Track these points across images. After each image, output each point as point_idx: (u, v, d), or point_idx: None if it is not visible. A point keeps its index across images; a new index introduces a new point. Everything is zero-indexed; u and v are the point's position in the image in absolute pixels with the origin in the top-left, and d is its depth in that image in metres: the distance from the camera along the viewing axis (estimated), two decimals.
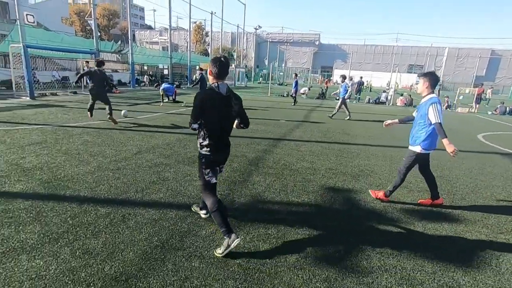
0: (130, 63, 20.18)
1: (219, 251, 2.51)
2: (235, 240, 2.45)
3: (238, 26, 38.28)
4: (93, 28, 17.12)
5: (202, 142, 2.59)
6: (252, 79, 43.44)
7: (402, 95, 21.26)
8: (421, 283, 2.34)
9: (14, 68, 12.81)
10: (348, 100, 11.40)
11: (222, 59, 2.54)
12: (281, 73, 48.76)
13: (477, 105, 19.28)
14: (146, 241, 2.63)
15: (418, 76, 3.69)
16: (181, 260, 2.40)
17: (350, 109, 11.83)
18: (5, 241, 2.50)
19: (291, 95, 15.68)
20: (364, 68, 53.43)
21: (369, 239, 2.92)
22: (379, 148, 6.87)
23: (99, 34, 19.62)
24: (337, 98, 11.91)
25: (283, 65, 53.28)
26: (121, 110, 8.95)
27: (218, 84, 2.52)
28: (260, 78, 44.63)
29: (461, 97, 21.80)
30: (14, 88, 12.75)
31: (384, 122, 4.12)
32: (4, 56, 15.53)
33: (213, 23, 31.89)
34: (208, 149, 2.57)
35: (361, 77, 21.90)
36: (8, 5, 28.33)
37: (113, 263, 2.30)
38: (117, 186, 3.76)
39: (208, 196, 2.64)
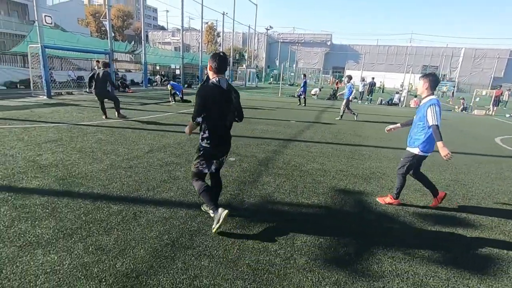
0: (143, 63, 20.52)
1: (214, 227, 2.77)
2: (223, 213, 2.71)
3: (249, 27, 38.37)
4: (107, 29, 17.49)
5: (203, 135, 2.71)
6: (262, 80, 43.45)
7: (415, 96, 20.84)
8: None
9: (32, 68, 13.22)
10: (353, 101, 11.31)
11: (221, 54, 2.65)
12: (292, 74, 48.58)
13: (495, 108, 18.71)
14: (157, 239, 2.67)
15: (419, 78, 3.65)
16: (190, 259, 2.42)
17: (362, 111, 11.69)
18: (22, 235, 2.58)
19: (298, 96, 15.61)
20: (377, 68, 52.65)
21: (380, 243, 2.87)
22: (391, 150, 6.75)
23: (113, 34, 20.02)
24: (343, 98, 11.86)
25: (294, 65, 53.06)
26: (133, 110, 9.10)
27: (219, 79, 2.62)
28: (271, 79, 44.58)
29: (477, 99, 21.20)
30: (32, 87, 13.16)
31: (386, 128, 4.04)
32: (23, 56, 16.05)
33: (224, 23, 32.09)
34: (208, 141, 2.70)
35: (373, 78, 21.55)
36: (27, 6, 29.31)
37: (124, 260, 2.34)
38: (129, 184, 3.82)
39: (196, 181, 2.87)
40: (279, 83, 26.01)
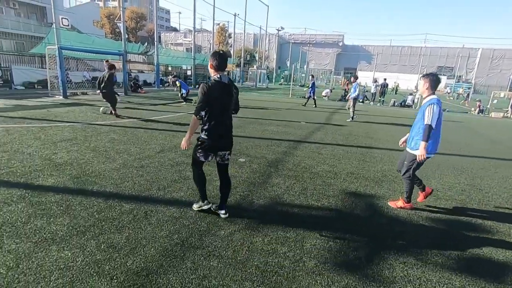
0: (155, 64, 20.83)
1: (194, 206, 3.23)
2: (205, 206, 3.15)
3: (260, 28, 38.41)
4: (121, 30, 17.85)
5: (203, 127, 2.85)
6: (273, 81, 43.40)
7: None
8: None
9: (49, 69, 13.63)
10: (359, 101, 11.30)
11: (221, 52, 2.82)
12: (303, 75, 48.33)
13: None
14: (167, 238, 2.70)
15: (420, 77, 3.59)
16: (200, 259, 2.43)
17: (374, 113, 11.52)
18: (37, 231, 2.65)
19: (307, 97, 15.55)
20: (390, 69, 51.79)
21: (392, 247, 2.82)
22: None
23: (127, 36, 20.41)
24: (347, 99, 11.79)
25: (305, 66, 52.78)
26: (145, 110, 9.24)
27: (220, 75, 2.78)
28: (282, 80, 44.48)
29: (495, 101, 20.52)
30: (48, 87, 13.56)
31: (400, 142, 3.89)
32: (41, 57, 16.56)
33: (236, 24, 32.25)
34: (207, 133, 2.83)
35: (385, 79, 21.18)
36: (45, 9, 30.23)
37: (135, 258, 2.38)
38: (140, 183, 3.88)
39: (194, 168, 3.08)
40: (290, 84, 25.92)
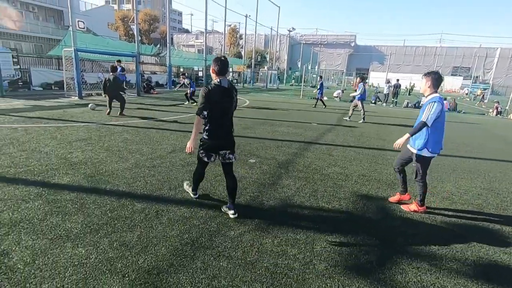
0: (167, 65, 21.13)
1: (185, 185, 3.68)
2: (192, 194, 3.53)
3: (271, 29, 38.42)
4: (135, 33, 18.18)
5: (204, 128, 2.99)
6: (284, 81, 43.30)
7: (445, 99, 19.84)
8: None
9: (66, 70, 14.02)
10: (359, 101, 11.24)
11: (222, 58, 2.93)
12: (314, 76, 48.01)
13: None
14: (178, 237, 2.72)
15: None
16: (209, 259, 2.45)
17: (386, 114, 11.34)
18: (53, 228, 2.73)
19: (317, 98, 15.50)
20: (403, 70, 50.83)
21: (405, 252, 2.76)
22: None
23: (140, 38, 20.78)
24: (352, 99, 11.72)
25: (316, 67, 52.39)
26: (154, 111, 9.38)
27: (220, 80, 2.90)
28: (293, 80, 44.32)
29: None
30: (65, 88, 13.95)
31: (394, 144, 3.52)
32: (58, 59, 17.05)
33: (247, 25, 32.35)
34: (207, 133, 2.98)
35: (398, 80, 20.77)
36: (63, 13, 31.15)
37: (146, 257, 2.41)
38: (152, 183, 3.94)
39: (198, 166, 3.30)
40: (301, 85, 25.80)
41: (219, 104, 2.90)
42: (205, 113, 2.87)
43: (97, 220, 2.92)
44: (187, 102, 13.20)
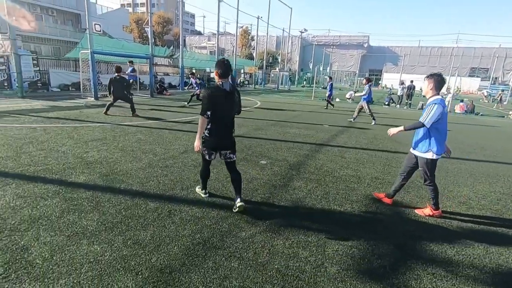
0: (180, 67, 21.42)
1: (197, 188, 3.75)
2: (203, 194, 3.62)
3: (283, 30, 38.37)
4: (149, 35, 18.52)
5: (206, 126, 3.13)
6: (295, 83, 43.14)
7: (462, 101, 19.30)
8: None
9: (82, 72, 14.43)
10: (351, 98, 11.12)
11: (225, 62, 3.07)
12: (326, 77, 47.64)
13: None
14: (189, 237, 2.75)
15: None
16: (221, 259, 2.46)
17: (400, 116, 11.13)
18: (70, 226, 2.81)
19: (326, 99, 15.40)
20: (418, 71, 49.73)
21: (419, 257, 2.69)
22: None
23: (153, 40, 21.14)
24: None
25: (328, 68, 51.96)
26: (167, 112, 9.51)
27: (222, 82, 3.04)
28: (304, 82, 44.10)
29: None
30: (81, 90, 14.37)
31: (388, 131, 3.79)
32: (75, 61, 17.57)
33: (259, 27, 32.42)
34: (208, 132, 3.14)
35: (412, 81, 20.32)
36: (80, 16, 32.05)
37: (159, 255, 2.45)
38: (164, 183, 4.00)
39: (203, 164, 3.45)
40: (312, 86, 25.62)
41: (220, 106, 3.06)
42: (209, 113, 3.03)
43: (112, 218, 2.98)
44: (187, 104, 12.87)
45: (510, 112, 18.46)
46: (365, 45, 58.62)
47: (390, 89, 26.48)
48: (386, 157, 6.18)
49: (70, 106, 10.65)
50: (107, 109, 9.06)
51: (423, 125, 3.26)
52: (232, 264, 2.41)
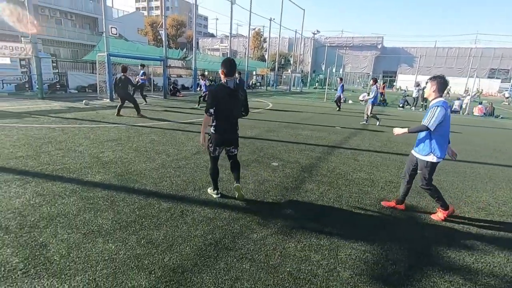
0: (193, 69, 21.68)
1: (208, 190, 3.77)
2: (214, 195, 3.65)
3: (296, 32, 38.26)
4: (163, 38, 18.86)
5: (212, 123, 3.30)
6: (307, 85, 42.88)
7: (481, 103, 18.68)
8: None
9: (99, 74, 14.83)
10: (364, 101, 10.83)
11: (230, 61, 3.20)
12: (337, 78, 47.15)
13: None
14: (201, 238, 2.77)
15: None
16: (232, 260, 2.46)
17: (416, 118, 10.87)
18: (86, 224, 2.88)
19: (343, 101, 15.23)
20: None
21: (436, 264, 2.61)
22: (449, 163, 6.12)
23: (167, 42, 21.49)
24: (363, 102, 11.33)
25: (341, 70, 51.40)
26: (179, 113, 9.63)
27: (227, 80, 3.17)
28: (316, 84, 43.78)
29: None
30: (98, 91, 14.75)
31: (393, 130, 3.71)
32: (92, 64, 18.08)
33: (271, 29, 32.45)
34: (214, 128, 3.31)
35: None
36: (97, 20, 32.99)
37: (171, 255, 2.48)
38: (177, 183, 4.04)
39: (211, 162, 3.55)
40: (325, 88, 25.40)
41: (223, 103, 3.19)
42: (211, 111, 3.19)
43: (126, 218, 3.04)
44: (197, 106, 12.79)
45: None
46: (379, 46, 57.69)
47: (405, 91, 25.93)
48: (401, 160, 6.04)
49: (87, 107, 10.96)
50: (118, 111, 9.28)
51: (427, 128, 3.21)
52: (244, 265, 2.41)
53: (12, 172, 4.09)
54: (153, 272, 2.26)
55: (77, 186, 3.75)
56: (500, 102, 28.37)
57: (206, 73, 29.12)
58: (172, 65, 24.95)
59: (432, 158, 3.29)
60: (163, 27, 18.63)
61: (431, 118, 3.18)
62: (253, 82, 32.38)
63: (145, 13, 65.76)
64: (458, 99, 19.65)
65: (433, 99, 3.33)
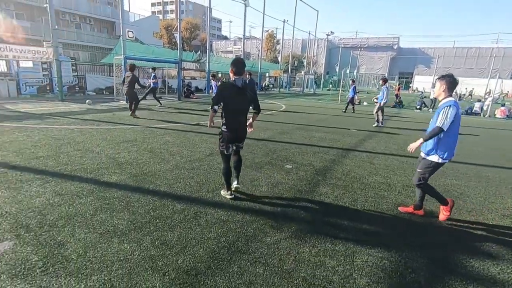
0: (207, 71, 21.91)
1: (222, 192, 3.77)
2: (228, 196, 3.66)
3: (309, 33, 38.04)
4: (177, 41, 19.16)
5: (223, 122, 3.44)
6: (321, 86, 42.49)
7: (503, 105, 17.94)
8: None
9: (116, 77, 15.21)
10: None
11: (240, 60, 3.35)
12: (350, 79, 46.49)
13: None
14: (215, 240, 2.76)
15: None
16: (246, 264, 2.44)
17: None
18: (102, 224, 2.93)
19: (357, 103, 15.00)
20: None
21: (458, 274, 2.50)
22: (471, 167, 5.89)
23: (182, 45, 21.82)
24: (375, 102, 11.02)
25: (355, 71, 50.64)
26: (196, 115, 9.71)
27: (235, 78, 3.31)
28: (330, 85, 43.32)
29: None
30: (114, 93, 15.13)
31: (408, 148, 3.38)
32: (109, 66, 18.57)
33: (284, 30, 32.39)
34: (225, 126, 3.42)
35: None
36: (115, 24, 33.88)
37: (185, 257, 2.48)
38: (191, 185, 4.06)
39: (223, 161, 3.63)
40: (338, 90, 25.08)
41: (231, 100, 3.34)
42: (216, 107, 3.39)
43: (141, 218, 3.07)
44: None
45: None
46: (395, 47, 56.52)
47: (422, 92, 25.26)
48: None
49: (104, 109, 11.24)
50: (133, 112, 9.48)
51: (441, 130, 3.08)
52: (257, 270, 2.38)
53: (33, 171, 4.23)
54: (167, 273, 2.27)
55: (94, 186, 3.83)
56: None
57: (220, 75, 29.40)
58: (186, 68, 25.29)
59: (437, 159, 3.19)
60: (178, 30, 18.92)
61: (444, 119, 3.07)
62: (266, 84, 32.37)
63: (161, 16, 67.09)
64: (479, 100, 18.95)
65: (443, 99, 3.23)
